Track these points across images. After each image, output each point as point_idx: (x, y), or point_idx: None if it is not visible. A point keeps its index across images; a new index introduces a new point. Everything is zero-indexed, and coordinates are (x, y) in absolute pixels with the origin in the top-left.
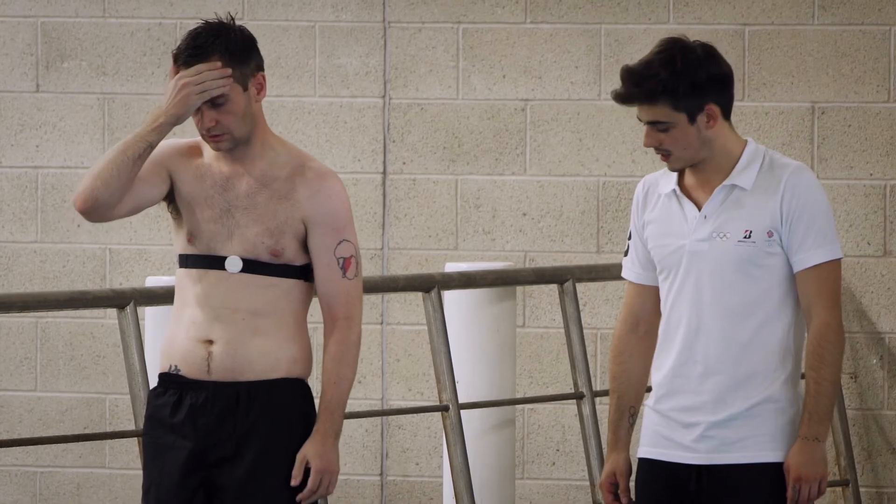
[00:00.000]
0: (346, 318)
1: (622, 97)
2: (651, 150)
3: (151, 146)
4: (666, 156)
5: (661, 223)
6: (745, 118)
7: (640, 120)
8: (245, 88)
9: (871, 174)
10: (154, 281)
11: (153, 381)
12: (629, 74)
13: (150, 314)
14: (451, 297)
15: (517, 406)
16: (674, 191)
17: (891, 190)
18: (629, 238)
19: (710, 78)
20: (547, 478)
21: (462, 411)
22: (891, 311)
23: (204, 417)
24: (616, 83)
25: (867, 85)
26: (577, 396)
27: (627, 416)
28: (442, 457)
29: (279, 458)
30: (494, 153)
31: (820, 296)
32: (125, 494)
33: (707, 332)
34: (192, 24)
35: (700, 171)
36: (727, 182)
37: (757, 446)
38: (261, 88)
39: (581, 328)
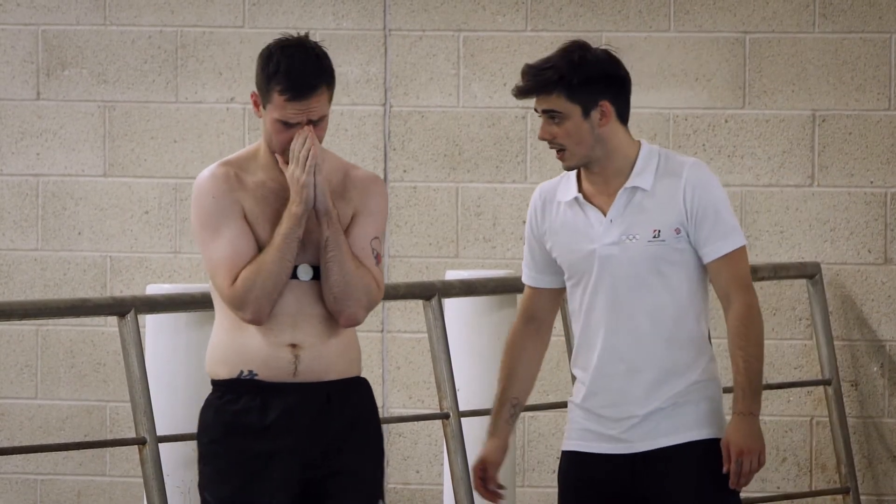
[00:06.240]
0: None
1: (521, 90)
2: None
3: (300, 237)
4: (561, 152)
5: (567, 231)
6: (745, 126)
7: (536, 111)
8: (330, 104)
9: (871, 182)
10: (155, 289)
11: (154, 389)
12: (528, 68)
13: (150, 322)
14: (451, 305)
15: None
16: (576, 198)
17: (891, 197)
18: (525, 244)
19: (605, 75)
20: (547, 486)
21: (463, 419)
22: (891, 319)
23: (300, 418)
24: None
25: (868, 93)
26: None
27: (509, 407)
28: (443, 464)
29: (373, 451)
30: (495, 161)
31: (736, 281)
32: (125, 502)
33: (627, 332)
34: (193, 32)
35: (598, 176)
36: (628, 185)
37: (684, 428)
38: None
39: None
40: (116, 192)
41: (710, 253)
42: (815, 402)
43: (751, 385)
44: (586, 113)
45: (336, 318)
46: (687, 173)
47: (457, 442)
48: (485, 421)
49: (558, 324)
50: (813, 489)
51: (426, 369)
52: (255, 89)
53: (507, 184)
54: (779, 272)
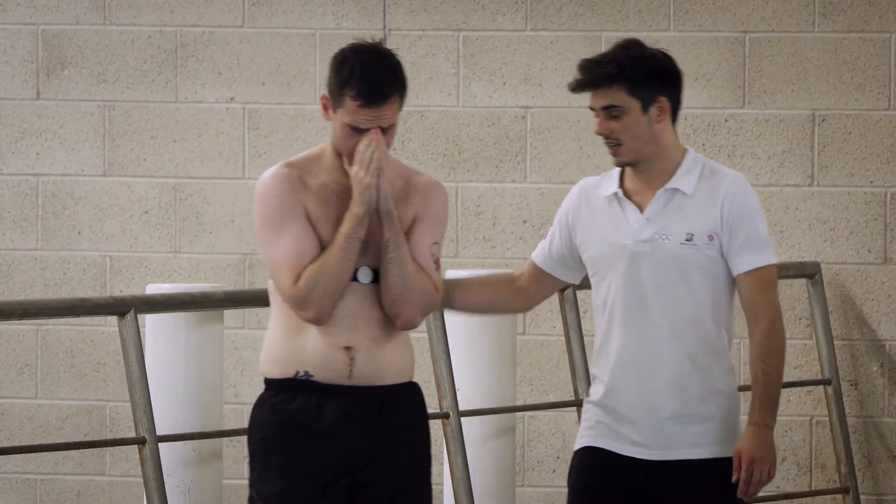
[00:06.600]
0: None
1: (580, 83)
2: None
3: (362, 238)
4: (616, 146)
5: (603, 225)
6: (745, 125)
7: (592, 110)
8: (399, 112)
9: (871, 181)
10: (154, 288)
11: (154, 389)
12: (587, 62)
13: (150, 321)
14: None
15: (517, 413)
16: (615, 194)
17: (891, 197)
18: (553, 225)
19: (664, 71)
20: (547, 485)
21: (462, 419)
22: (891, 319)
23: (354, 420)
24: None
25: (867, 92)
26: (578, 404)
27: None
28: (442, 464)
29: (424, 457)
30: (495, 160)
31: (763, 296)
32: (125, 502)
33: (647, 332)
34: (193, 32)
35: (642, 174)
36: (669, 185)
37: (702, 443)
38: None
39: (581, 335)
40: (116, 191)
41: (740, 265)
42: (815, 401)
43: (768, 398)
44: (645, 108)
45: (393, 321)
46: (727, 185)
47: (457, 442)
48: (485, 421)
49: (557, 323)
50: (813, 489)
51: (426, 369)
52: (325, 92)
53: (506, 183)
54: (779, 272)
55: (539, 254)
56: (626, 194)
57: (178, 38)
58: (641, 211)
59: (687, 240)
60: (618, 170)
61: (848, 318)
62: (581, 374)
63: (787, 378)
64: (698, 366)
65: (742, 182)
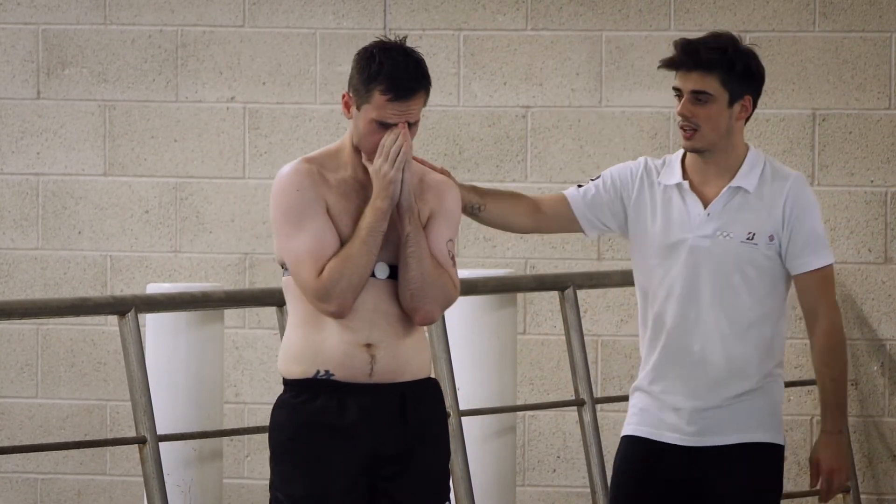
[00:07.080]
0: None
1: (678, 62)
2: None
3: (384, 231)
4: (692, 132)
5: (663, 215)
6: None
7: (675, 90)
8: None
9: (871, 181)
10: (155, 288)
11: (154, 388)
12: (690, 42)
13: (150, 321)
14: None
15: (518, 413)
16: (679, 184)
17: (891, 197)
18: (595, 179)
19: (758, 73)
20: (548, 485)
21: (463, 418)
22: (891, 318)
23: (376, 419)
24: (616, 90)
25: (868, 92)
26: (578, 403)
27: (476, 197)
28: None
29: (444, 452)
30: (495, 160)
31: (823, 297)
32: (125, 501)
33: (700, 325)
34: (193, 31)
35: (707, 166)
36: (733, 184)
37: (745, 428)
38: None
39: (582, 335)
40: (116, 191)
41: (800, 266)
42: (816, 401)
43: (837, 403)
44: (731, 102)
45: (411, 316)
46: (790, 185)
47: (457, 441)
48: (485, 420)
49: (558, 323)
50: (813, 488)
51: None
52: (346, 90)
53: (507, 183)
54: None
55: (573, 193)
56: (690, 187)
57: (179, 38)
58: (704, 206)
59: (748, 238)
60: (679, 158)
61: (848, 317)
62: (581, 374)
63: (787, 378)
64: (750, 362)
65: (804, 183)
